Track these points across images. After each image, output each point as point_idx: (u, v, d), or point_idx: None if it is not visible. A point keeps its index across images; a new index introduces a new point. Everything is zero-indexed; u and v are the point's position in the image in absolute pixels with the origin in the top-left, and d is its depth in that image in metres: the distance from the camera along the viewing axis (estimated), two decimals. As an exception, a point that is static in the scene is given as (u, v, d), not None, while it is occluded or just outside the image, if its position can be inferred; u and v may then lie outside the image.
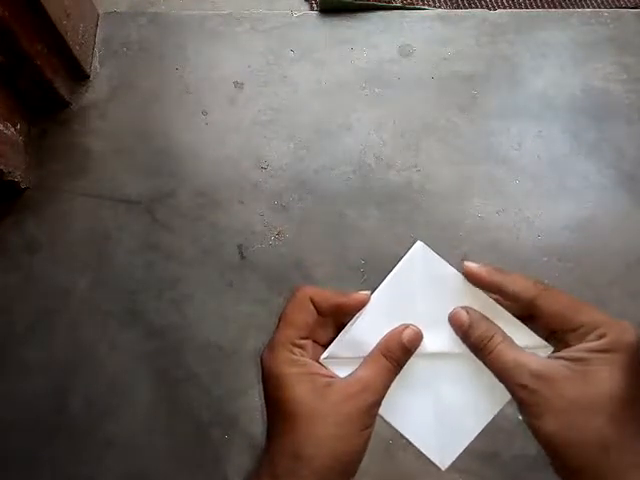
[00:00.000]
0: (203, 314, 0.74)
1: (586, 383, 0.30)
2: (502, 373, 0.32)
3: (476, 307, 0.35)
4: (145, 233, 0.79)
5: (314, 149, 0.83)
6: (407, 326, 0.35)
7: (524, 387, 0.31)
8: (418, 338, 0.35)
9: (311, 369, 0.34)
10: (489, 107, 0.86)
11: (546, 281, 0.35)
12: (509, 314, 0.34)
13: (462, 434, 0.35)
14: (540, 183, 0.81)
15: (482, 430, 0.35)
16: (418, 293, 0.35)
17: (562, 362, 0.31)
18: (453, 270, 0.35)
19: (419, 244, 0.35)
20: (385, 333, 0.35)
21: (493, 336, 0.33)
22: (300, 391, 0.33)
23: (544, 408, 0.31)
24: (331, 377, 0.34)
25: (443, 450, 0.35)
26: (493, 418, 0.35)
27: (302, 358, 0.35)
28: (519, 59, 0.89)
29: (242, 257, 0.77)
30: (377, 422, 0.34)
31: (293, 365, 0.34)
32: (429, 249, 0.35)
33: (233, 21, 0.92)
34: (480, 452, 0.67)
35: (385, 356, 0.34)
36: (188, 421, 0.69)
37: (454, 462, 0.35)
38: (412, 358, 0.35)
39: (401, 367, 0.35)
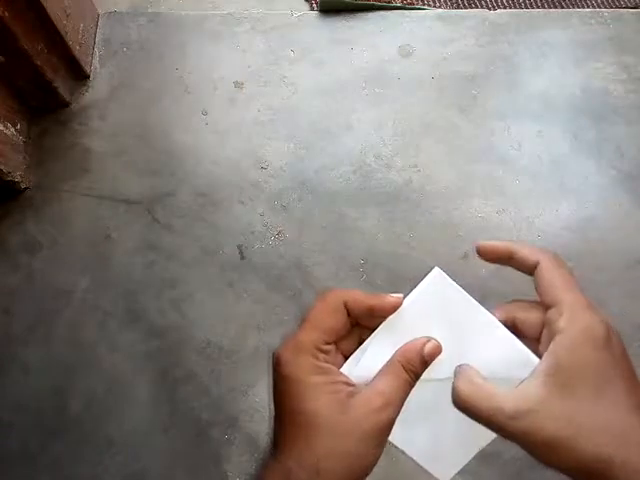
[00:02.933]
0: (203, 314, 0.74)
1: (563, 396, 0.29)
2: (487, 425, 0.31)
3: (480, 329, 0.35)
4: (145, 233, 0.79)
5: (314, 149, 0.83)
6: (429, 339, 0.34)
7: (509, 434, 0.30)
8: (437, 352, 0.34)
9: (334, 378, 0.33)
10: (489, 107, 0.86)
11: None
12: (512, 335, 0.34)
13: (463, 452, 0.35)
14: (540, 183, 0.81)
15: (480, 450, 0.35)
16: (433, 319, 0.35)
17: (539, 378, 0.30)
18: (466, 296, 0.35)
19: (436, 271, 0.35)
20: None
21: (463, 391, 0.32)
22: (323, 403, 0.32)
23: (536, 445, 0.29)
24: (351, 386, 0.34)
25: (444, 465, 0.35)
26: (492, 441, 0.35)
27: (325, 365, 0.34)
28: (519, 59, 0.89)
29: (242, 257, 0.77)
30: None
31: (317, 373, 0.33)
32: (446, 275, 0.35)
33: (233, 21, 0.92)
34: (480, 452, 0.67)
35: (405, 368, 0.34)
36: (188, 421, 0.69)
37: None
38: (418, 382, 0.35)
39: (417, 379, 0.34)
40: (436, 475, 0.35)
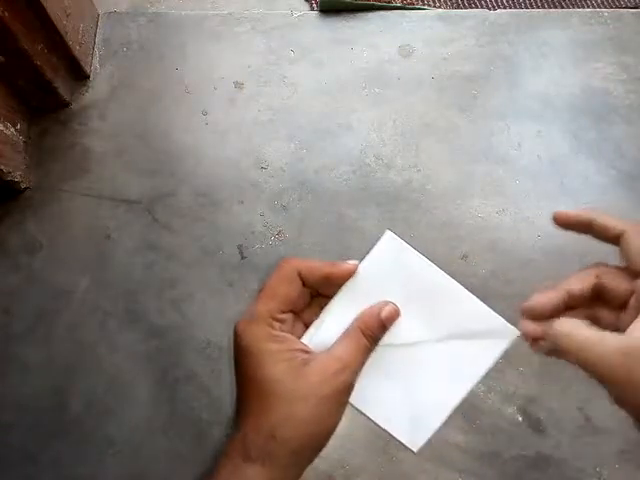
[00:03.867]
0: (203, 314, 0.74)
1: None
2: (583, 364, 0.30)
3: (441, 294, 0.35)
4: (145, 233, 0.79)
5: (314, 149, 0.84)
6: (387, 303, 0.34)
7: (605, 376, 0.29)
8: (396, 315, 0.34)
9: (290, 345, 0.34)
10: (489, 107, 0.86)
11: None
12: (473, 297, 0.34)
13: (432, 417, 0.35)
14: (540, 183, 0.81)
15: (451, 413, 0.35)
16: (389, 284, 0.35)
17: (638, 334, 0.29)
18: (420, 258, 0.35)
19: (388, 233, 0.35)
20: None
21: (574, 330, 0.31)
22: (279, 370, 0.32)
23: (633, 384, 0.28)
24: (309, 353, 0.34)
25: (414, 433, 0.35)
26: (461, 401, 0.35)
27: (281, 333, 0.34)
28: (519, 59, 0.89)
29: (242, 257, 0.77)
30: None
31: (273, 341, 0.33)
32: (398, 238, 0.35)
33: (233, 21, 0.92)
34: (480, 452, 0.67)
35: (364, 333, 0.34)
36: (188, 421, 0.69)
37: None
38: (381, 347, 0.35)
39: (376, 344, 0.35)
40: (408, 444, 0.35)
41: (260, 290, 0.35)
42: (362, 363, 0.34)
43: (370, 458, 0.67)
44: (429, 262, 0.35)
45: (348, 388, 0.33)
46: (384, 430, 0.35)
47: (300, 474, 0.32)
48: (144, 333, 0.73)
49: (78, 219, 0.79)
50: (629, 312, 0.32)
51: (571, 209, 0.38)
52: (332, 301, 0.36)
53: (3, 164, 0.73)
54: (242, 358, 0.34)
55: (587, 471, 0.65)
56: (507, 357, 0.37)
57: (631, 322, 0.31)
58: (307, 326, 0.36)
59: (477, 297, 0.35)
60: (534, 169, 0.82)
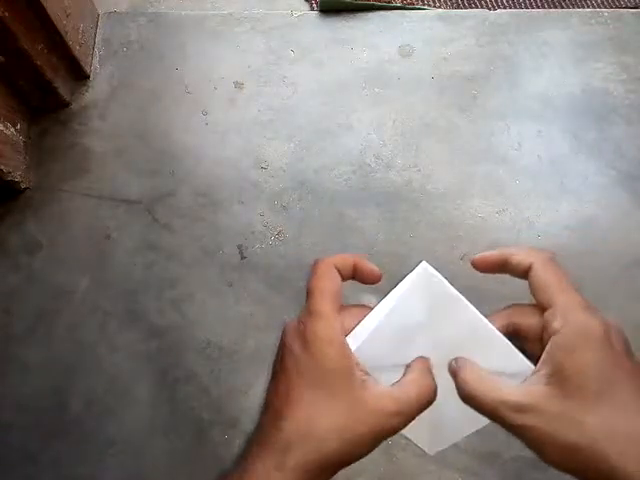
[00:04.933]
0: (203, 314, 0.74)
1: (565, 396, 0.29)
2: (491, 417, 0.31)
3: (469, 326, 0.35)
4: (145, 233, 0.79)
5: (314, 149, 0.83)
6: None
7: (513, 427, 0.30)
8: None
9: (352, 358, 0.32)
10: (489, 107, 0.86)
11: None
12: (500, 335, 0.34)
13: (455, 430, 0.35)
14: (540, 183, 0.81)
15: (473, 432, 0.35)
16: (421, 315, 0.35)
17: (540, 378, 0.30)
18: (453, 291, 0.35)
19: (424, 265, 0.35)
20: (391, 354, 0.34)
21: (469, 382, 0.32)
22: (341, 380, 0.31)
23: (538, 441, 0.29)
24: (366, 374, 0.33)
25: (432, 440, 0.35)
26: (478, 430, 0.35)
27: (344, 340, 0.33)
28: (519, 59, 0.89)
29: (242, 257, 0.77)
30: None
31: (338, 347, 0.32)
32: (433, 270, 0.35)
33: (233, 21, 0.92)
34: (480, 452, 0.67)
35: (431, 388, 0.33)
36: (188, 421, 0.69)
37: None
38: None
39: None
40: (422, 446, 0.35)
41: (308, 294, 0.34)
42: (416, 416, 0.33)
43: (370, 458, 0.66)
44: (461, 296, 0.34)
45: (394, 432, 0.32)
46: (402, 434, 0.35)
47: None
48: (144, 333, 0.73)
49: (78, 219, 0.79)
50: (545, 346, 0.32)
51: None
52: (362, 326, 0.35)
53: (3, 164, 0.73)
54: (301, 357, 0.32)
55: (587, 471, 0.65)
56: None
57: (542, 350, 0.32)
58: None
59: (474, 299, 0.35)
60: (534, 169, 0.82)
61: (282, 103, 0.86)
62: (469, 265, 0.36)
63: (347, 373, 0.32)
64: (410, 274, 0.35)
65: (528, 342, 0.34)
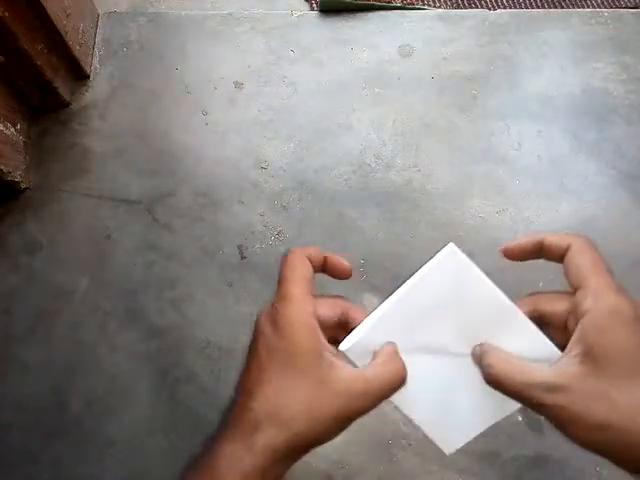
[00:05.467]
0: (203, 314, 0.74)
1: (598, 374, 0.29)
2: (519, 398, 0.31)
3: (495, 311, 0.34)
4: (145, 233, 0.79)
5: (314, 149, 0.84)
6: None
7: (544, 406, 0.30)
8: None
9: (321, 340, 0.33)
10: (489, 107, 0.86)
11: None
12: (527, 320, 0.34)
13: (470, 428, 0.35)
14: (540, 183, 0.81)
15: (489, 427, 0.35)
16: (444, 297, 0.35)
17: (571, 358, 0.30)
18: (480, 274, 0.35)
19: (451, 246, 0.35)
20: (408, 335, 0.34)
21: (497, 364, 0.32)
22: (310, 360, 0.32)
23: (570, 420, 0.30)
24: (336, 357, 0.33)
25: (449, 438, 0.35)
26: (504, 418, 0.34)
27: (315, 322, 0.33)
28: (519, 59, 0.89)
29: (242, 257, 0.77)
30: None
31: (308, 327, 0.32)
32: (461, 252, 0.35)
33: (233, 21, 0.92)
34: (480, 452, 0.67)
35: (399, 369, 0.33)
36: (188, 421, 0.69)
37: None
38: (431, 355, 0.35)
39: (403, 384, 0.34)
40: (440, 446, 0.35)
41: (279, 281, 0.35)
42: (386, 397, 0.33)
43: (370, 458, 0.67)
44: (488, 279, 0.34)
45: (362, 412, 0.32)
46: (419, 429, 0.35)
47: (286, 470, 0.32)
48: (144, 333, 0.73)
49: (78, 219, 0.79)
50: (570, 330, 0.33)
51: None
52: (379, 309, 0.35)
53: (3, 164, 0.73)
54: (272, 338, 0.33)
55: (587, 471, 0.65)
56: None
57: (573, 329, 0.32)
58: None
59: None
60: (534, 169, 0.82)
61: (282, 103, 0.86)
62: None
63: (315, 354, 0.32)
64: (436, 255, 0.35)
65: (551, 329, 0.34)
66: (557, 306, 0.34)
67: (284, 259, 0.35)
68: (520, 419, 0.67)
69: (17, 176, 0.77)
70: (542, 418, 0.32)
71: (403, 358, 0.34)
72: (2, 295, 0.75)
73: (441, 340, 0.35)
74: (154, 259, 0.77)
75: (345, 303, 0.37)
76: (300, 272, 0.35)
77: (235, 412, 0.33)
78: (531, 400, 0.30)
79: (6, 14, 0.66)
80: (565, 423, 0.30)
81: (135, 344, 0.73)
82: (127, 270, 0.77)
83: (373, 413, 0.36)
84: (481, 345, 0.34)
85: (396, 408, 0.35)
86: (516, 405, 0.33)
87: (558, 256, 0.34)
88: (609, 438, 0.29)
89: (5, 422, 0.69)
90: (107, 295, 0.75)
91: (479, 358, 0.33)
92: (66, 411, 0.70)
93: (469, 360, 0.34)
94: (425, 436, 0.35)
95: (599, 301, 0.30)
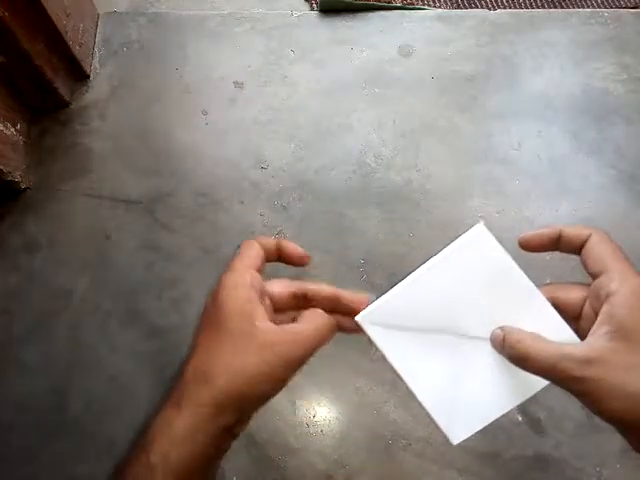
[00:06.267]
0: (203, 314, 0.74)
1: (630, 350, 0.30)
2: (550, 372, 0.31)
3: (518, 294, 0.35)
4: (145, 233, 0.79)
5: (314, 149, 0.84)
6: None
7: (577, 379, 0.30)
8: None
9: (252, 301, 0.34)
10: (489, 107, 0.86)
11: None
12: (549, 305, 0.34)
13: (479, 416, 0.35)
14: (540, 183, 0.81)
15: (496, 419, 0.34)
16: (469, 277, 0.35)
17: (601, 336, 0.31)
18: (507, 257, 0.35)
19: (480, 226, 0.35)
20: (428, 311, 0.35)
21: (525, 340, 0.32)
22: (236, 318, 0.33)
23: (604, 392, 0.30)
24: (267, 318, 0.34)
25: (457, 427, 0.35)
26: (512, 409, 0.34)
27: (248, 287, 0.35)
28: (519, 59, 0.89)
29: (242, 257, 0.77)
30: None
31: (238, 290, 0.34)
32: (490, 234, 0.35)
33: (233, 21, 0.92)
34: (480, 452, 0.67)
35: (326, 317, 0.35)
36: (188, 421, 0.69)
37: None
38: (447, 336, 0.35)
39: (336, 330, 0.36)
40: (448, 434, 0.35)
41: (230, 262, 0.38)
42: (319, 344, 0.34)
43: (370, 458, 0.67)
44: (514, 262, 0.35)
45: (293, 363, 0.33)
46: (427, 414, 0.35)
47: (218, 431, 0.32)
48: (144, 333, 0.73)
49: (78, 219, 0.79)
50: (584, 319, 0.34)
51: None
52: (400, 283, 0.35)
53: (3, 164, 0.73)
54: (208, 303, 0.35)
55: (587, 471, 0.65)
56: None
57: (588, 329, 0.33)
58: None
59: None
60: (534, 169, 0.82)
61: (282, 103, 0.86)
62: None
63: (244, 316, 0.33)
64: (464, 234, 0.35)
65: (565, 316, 0.35)
66: (572, 294, 0.35)
67: (240, 247, 0.38)
68: (520, 419, 0.67)
69: (17, 176, 0.77)
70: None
71: (420, 336, 0.35)
72: (2, 295, 0.75)
73: (461, 322, 0.35)
74: (154, 259, 0.77)
75: (302, 282, 0.38)
76: (245, 252, 0.38)
77: (169, 391, 0.34)
78: (564, 373, 0.31)
79: (6, 14, 0.66)
80: (601, 395, 0.30)
81: (135, 344, 0.73)
82: (127, 270, 0.77)
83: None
84: (502, 327, 0.34)
85: (407, 388, 0.35)
86: (532, 390, 0.34)
87: (576, 247, 0.35)
88: (636, 414, 0.29)
89: (5, 422, 0.69)
90: (107, 295, 0.75)
91: (502, 338, 0.34)
92: (66, 411, 0.70)
93: (487, 345, 0.34)
94: (431, 421, 0.35)
95: (625, 283, 0.31)
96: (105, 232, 0.78)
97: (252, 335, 0.33)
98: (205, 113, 0.86)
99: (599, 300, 0.32)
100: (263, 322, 0.33)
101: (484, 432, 0.34)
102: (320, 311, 0.36)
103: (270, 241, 0.39)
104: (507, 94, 0.87)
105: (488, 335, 0.35)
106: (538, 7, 0.98)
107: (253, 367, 0.32)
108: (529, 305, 0.34)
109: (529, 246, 0.37)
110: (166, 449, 0.31)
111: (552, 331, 0.34)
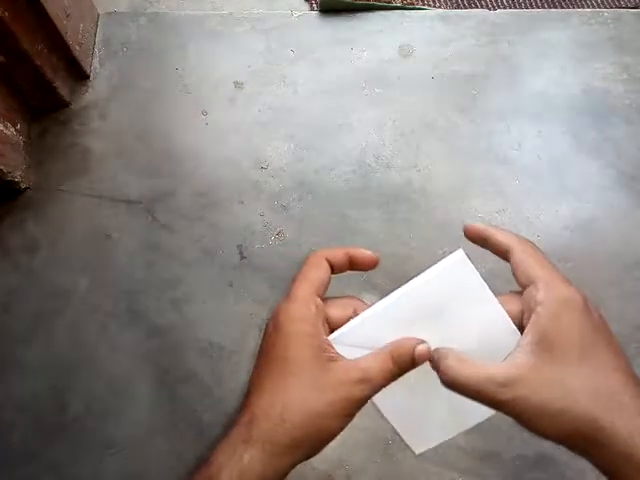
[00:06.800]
0: (203, 314, 0.74)
1: (552, 362, 0.30)
2: (478, 398, 0.31)
3: (489, 326, 0.35)
4: (145, 233, 0.79)
5: (314, 149, 0.84)
6: (423, 341, 0.35)
7: (502, 402, 0.30)
8: (427, 357, 0.34)
9: (321, 334, 0.34)
10: (489, 107, 0.86)
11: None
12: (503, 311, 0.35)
13: (440, 431, 0.35)
14: (540, 183, 0.81)
15: (464, 431, 0.35)
16: (444, 303, 0.35)
17: (524, 348, 0.31)
18: (484, 286, 0.35)
19: (460, 253, 0.35)
20: (400, 334, 0.35)
21: (453, 366, 0.32)
22: (306, 354, 0.33)
23: (530, 412, 0.30)
24: (336, 353, 0.34)
25: (419, 439, 0.36)
26: (477, 424, 0.35)
27: (316, 319, 0.34)
28: (519, 59, 0.89)
29: (242, 257, 0.77)
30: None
31: (306, 324, 0.33)
32: (468, 261, 0.35)
33: (233, 21, 0.92)
34: (480, 452, 0.67)
35: (393, 359, 0.34)
36: (189, 421, 0.69)
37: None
38: None
39: (400, 375, 0.35)
40: (410, 444, 0.35)
41: (293, 280, 0.36)
42: (383, 384, 0.34)
43: (370, 458, 0.67)
44: (490, 292, 0.35)
45: (362, 399, 0.33)
46: (390, 424, 0.35)
47: (291, 468, 0.32)
48: (144, 333, 0.73)
49: (78, 219, 0.79)
50: (525, 327, 0.33)
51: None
52: (372, 307, 0.35)
53: (3, 164, 0.73)
54: (272, 336, 0.34)
55: (587, 472, 0.65)
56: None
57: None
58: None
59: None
60: (534, 169, 0.82)
61: (282, 103, 0.86)
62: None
63: (315, 349, 0.33)
64: (444, 260, 0.35)
65: None
66: (512, 305, 0.34)
67: (304, 261, 0.37)
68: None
69: (17, 176, 0.77)
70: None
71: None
72: (2, 295, 0.75)
73: (428, 342, 0.35)
74: (154, 259, 0.77)
75: (357, 302, 0.37)
76: (312, 274, 0.36)
77: (237, 413, 0.33)
78: (489, 397, 0.30)
79: (6, 14, 0.66)
80: (525, 416, 0.30)
81: (135, 344, 0.73)
82: (127, 270, 0.77)
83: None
84: (436, 350, 0.34)
85: (372, 404, 0.35)
86: (487, 413, 0.34)
87: (501, 254, 0.36)
88: (568, 426, 0.29)
89: (5, 422, 0.69)
90: (107, 295, 0.75)
91: (436, 363, 0.33)
92: (66, 411, 0.70)
93: None
94: (396, 433, 0.35)
95: (550, 292, 0.31)
96: (105, 232, 0.78)
97: (325, 370, 0.32)
98: (205, 113, 0.86)
99: (529, 311, 0.32)
100: (333, 356, 0.33)
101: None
102: (389, 353, 0.35)
103: (339, 253, 0.37)
104: (507, 94, 0.87)
105: None
106: (538, 7, 0.98)
107: (328, 404, 0.32)
108: (499, 336, 0.34)
109: (466, 233, 0.38)
110: None
111: (503, 336, 0.34)
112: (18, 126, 0.80)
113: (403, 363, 0.34)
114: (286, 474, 0.32)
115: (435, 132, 0.84)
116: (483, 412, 0.34)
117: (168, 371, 0.72)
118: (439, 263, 0.35)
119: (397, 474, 0.66)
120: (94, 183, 0.81)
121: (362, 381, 0.33)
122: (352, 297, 0.38)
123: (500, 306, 0.34)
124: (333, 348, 0.34)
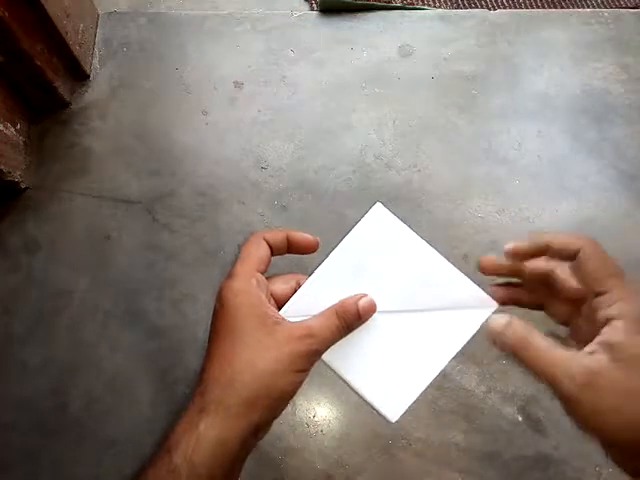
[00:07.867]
0: (203, 314, 0.74)
1: (630, 375, 0.30)
2: (544, 379, 0.32)
3: (424, 265, 0.36)
4: (145, 233, 0.79)
5: (314, 149, 0.84)
6: (365, 295, 0.36)
7: (574, 400, 0.31)
8: (372, 309, 0.36)
9: (265, 304, 0.35)
10: (489, 107, 0.86)
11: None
12: (459, 272, 0.36)
13: (410, 387, 0.36)
14: (540, 183, 0.81)
15: (430, 384, 0.35)
16: (374, 254, 0.37)
17: (602, 359, 0.31)
18: (408, 230, 0.37)
19: (378, 205, 0.37)
20: (347, 293, 0.36)
21: (531, 338, 0.33)
22: (250, 323, 0.34)
23: (598, 414, 0.30)
24: (282, 318, 0.36)
25: (392, 403, 0.36)
26: (440, 372, 0.35)
27: (257, 290, 0.35)
28: (519, 59, 0.89)
29: (242, 257, 0.77)
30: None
31: (249, 295, 0.35)
32: (387, 210, 0.37)
33: (233, 21, 0.92)
34: (480, 452, 0.67)
35: (337, 314, 0.35)
36: (188, 421, 0.69)
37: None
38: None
39: (349, 330, 0.36)
40: (384, 413, 0.36)
41: (235, 260, 0.38)
42: (329, 339, 0.35)
43: (370, 458, 0.67)
44: (415, 234, 0.36)
45: (310, 354, 0.34)
46: (362, 398, 0.36)
47: (249, 430, 0.33)
48: (144, 333, 0.73)
49: (78, 219, 0.79)
50: (583, 319, 0.34)
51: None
52: (313, 274, 0.37)
53: (3, 164, 0.73)
54: (219, 312, 0.36)
55: (587, 471, 0.65)
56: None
57: (585, 328, 0.33)
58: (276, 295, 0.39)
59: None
60: (534, 169, 0.82)
61: (282, 103, 0.86)
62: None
63: (260, 317, 0.34)
64: (365, 215, 0.37)
65: (557, 298, 0.36)
66: (570, 280, 0.34)
67: (244, 242, 0.38)
68: (520, 419, 0.67)
69: (17, 176, 0.77)
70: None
71: None
72: (2, 295, 0.75)
73: (374, 298, 0.36)
74: (154, 259, 0.77)
75: (299, 276, 0.39)
76: (252, 253, 0.38)
77: (190, 397, 0.34)
78: (561, 390, 0.31)
79: (6, 14, 0.66)
80: (595, 416, 0.30)
81: (135, 344, 0.73)
82: (127, 270, 0.77)
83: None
84: (503, 315, 0.34)
85: (338, 375, 0.36)
86: (449, 356, 0.35)
87: (567, 257, 0.35)
88: (629, 428, 0.29)
89: (5, 422, 0.69)
90: (107, 295, 0.75)
91: (514, 350, 0.33)
92: (66, 411, 0.70)
93: (400, 317, 0.36)
94: (368, 404, 0.36)
95: (627, 307, 0.32)
96: (105, 232, 0.78)
97: (270, 332, 0.34)
98: (205, 113, 0.86)
99: (594, 320, 0.32)
100: (278, 319, 0.35)
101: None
102: (333, 309, 0.36)
103: (278, 235, 0.39)
104: (507, 94, 0.87)
105: (400, 307, 0.36)
106: (538, 7, 0.98)
107: (275, 361, 0.33)
108: (438, 273, 0.36)
109: (517, 258, 0.37)
110: (191, 451, 0.31)
111: (465, 296, 0.35)
112: (18, 126, 0.80)
113: (348, 317, 0.35)
114: (245, 438, 0.32)
115: (435, 132, 0.85)
116: (443, 356, 0.35)
117: (167, 371, 0.72)
118: (360, 220, 0.37)
119: (397, 474, 0.67)
120: (94, 183, 0.81)
121: (307, 336, 0.34)
122: (294, 273, 0.40)
123: (426, 242, 0.36)
124: (278, 314, 0.36)
